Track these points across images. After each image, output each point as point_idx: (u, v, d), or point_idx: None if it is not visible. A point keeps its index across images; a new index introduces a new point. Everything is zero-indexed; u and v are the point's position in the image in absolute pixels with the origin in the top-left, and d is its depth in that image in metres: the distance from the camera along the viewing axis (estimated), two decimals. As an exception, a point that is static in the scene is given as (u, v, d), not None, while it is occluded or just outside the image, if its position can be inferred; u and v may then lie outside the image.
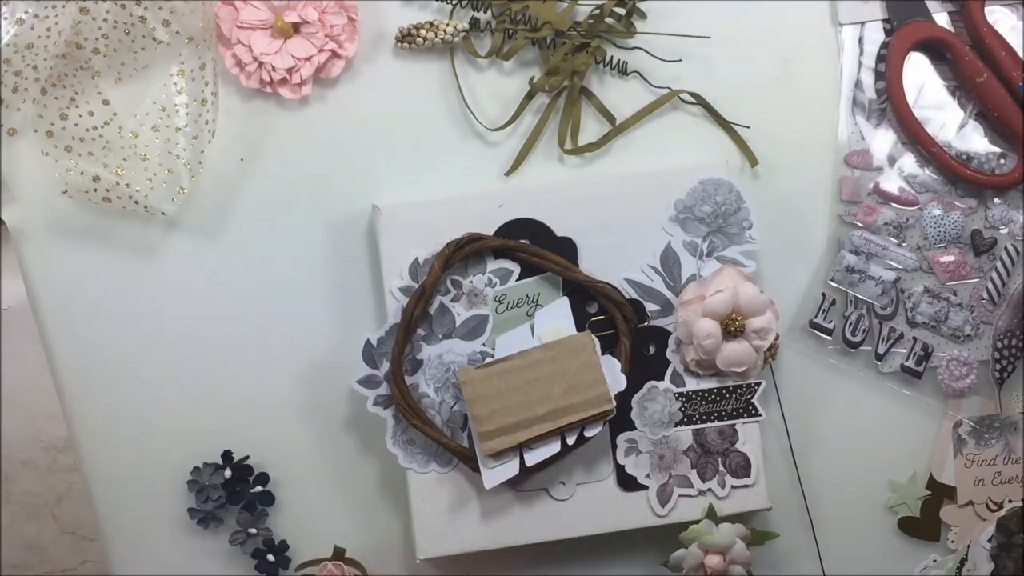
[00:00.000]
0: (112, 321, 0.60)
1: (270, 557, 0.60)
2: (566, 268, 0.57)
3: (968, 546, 0.64)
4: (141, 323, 0.60)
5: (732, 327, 0.57)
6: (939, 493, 0.64)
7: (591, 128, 0.61)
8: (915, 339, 0.62)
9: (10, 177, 0.59)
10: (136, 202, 0.57)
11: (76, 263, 0.59)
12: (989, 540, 0.64)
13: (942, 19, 0.62)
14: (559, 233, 0.58)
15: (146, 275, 0.60)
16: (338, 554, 0.61)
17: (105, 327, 0.60)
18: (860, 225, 0.62)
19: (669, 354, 0.59)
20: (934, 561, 0.64)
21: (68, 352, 0.60)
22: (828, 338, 0.62)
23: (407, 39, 0.59)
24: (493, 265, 0.58)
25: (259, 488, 0.60)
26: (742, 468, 0.59)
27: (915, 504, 0.64)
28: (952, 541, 0.64)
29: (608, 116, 0.61)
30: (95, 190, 0.57)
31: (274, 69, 0.58)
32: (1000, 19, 0.62)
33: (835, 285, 0.62)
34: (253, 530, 0.60)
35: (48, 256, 0.59)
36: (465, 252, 0.57)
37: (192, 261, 0.60)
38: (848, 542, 0.64)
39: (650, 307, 0.59)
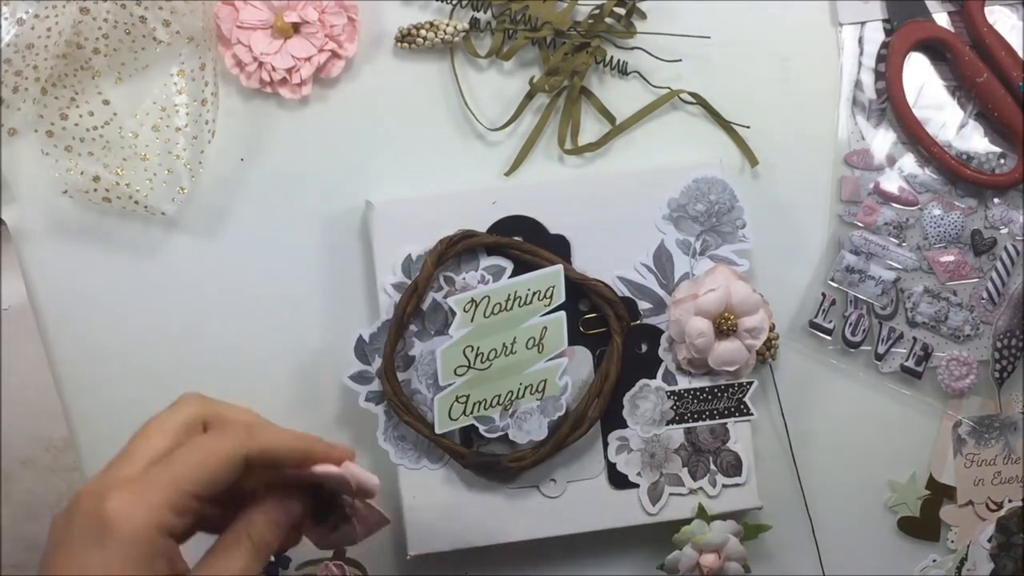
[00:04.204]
0: (112, 321, 0.60)
1: (270, 557, 0.60)
2: (559, 265, 0.58)
3: (968, 546, 0.64)
4: (141, 322, 0.60)
5: (724, 326, 0.57)
6: (939, 493, 0.64)
7: (591, 128, 0.61)
8: (915, 339, 0.62)
9: (10, 177, 0.59)
10: (136, 202, 0.57)
11: (76, 263, 0.59)
12: (989, 540, 0.64)
13: (942, 19, 0.62)
14: (552, 230, 0.58)
15: (146, 275, 0.60)
16: (338, 554, 0.61)
17: (105, 327, 0.60)
18: (860, 225, 0.62)
19: (661, 352, 0.59)
20: (934, 561, 0.64)
21: (68, 352, 0.60)
22: (828, 338, 0.62)
23: (407, 39, 0.59)
24: (486, 262, 0.58)
25: (259, 488, 0.60)
26: (733, 467, 0.59)
27: (915, 504, 0.64)
28: (952, 541, 0.64)
29: (608, 116, 0.61)
30: (95, 190, 0.57)
31: (274, 69, 0.58)
32: (1000, 19, 0.62)
33: (835, 285, 0.62)
34: (253, 530, 0.60)
35: (48, 256, 0.59)
36: (458, 249, 0.57)
37: (192, 261, 0.60)
38: (848, 542, 0.64)
39: (643, 305, 0.59)
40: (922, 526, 0.64)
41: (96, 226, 0.59)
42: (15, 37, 0.55)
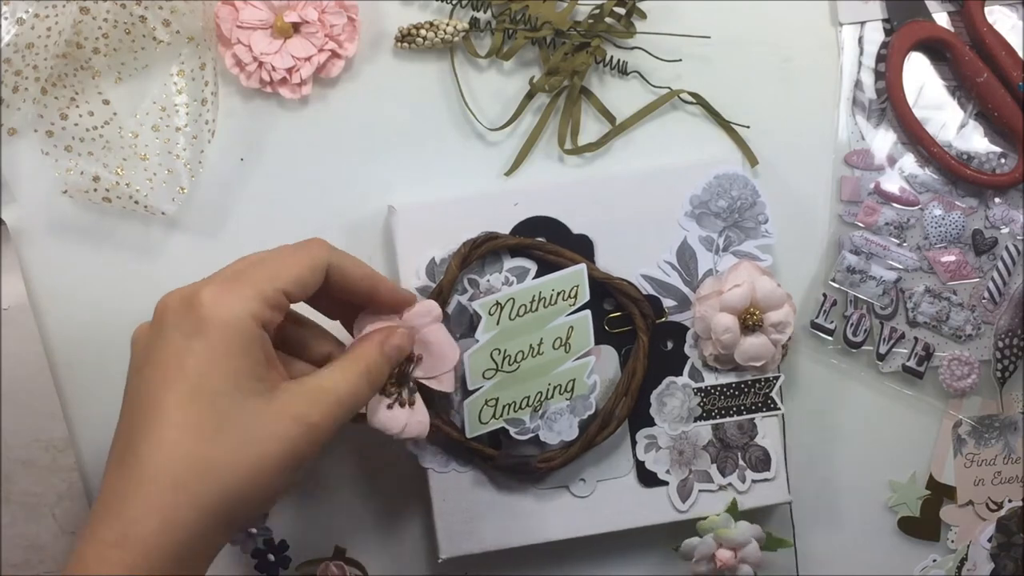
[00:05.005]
0: (112, 321, 0.60)
1: (270, 557, 0.60)
2: (583, 266, 0.57)
3: (968, 546, 0.64)
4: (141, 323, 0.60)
5: (750, 321, 0.57)
6: (939, 493, 0.64)
7: (591, 128, 0.61)
8: (916, 339, 0.62)
9: (10, 177, 0.59)
10: (136, 202, 0.57)
11: (76, 263, 0.59)
12: (989, 540, 0.64)
13: (942, 19, 0.62)
14: (575, 230, 0.58)
15: (146, 275, 0.60)
16: (338, 554, 0.61)
17: (105, 327, 0.60)
18: (860, 225, 0.62)
19: (687, 349, 0.59)
20: (934, 561, 0.64)
21: (68, 352, 0.60)
22: (829, 338, 0.62)
23: (407, 39, 0.59)
24: (510, 263, 0.58)
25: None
26: (762, 462, 0.59)
27: (915, 504, 0.64)
28: (952, 541, 0.64)
29: (608, 116, 0.61)
30: (95, 190, 0.57)
31: (274, 69, 0.58)
32: (1000, 19, 0.62)
33: (836, 285, 0.62)
34: (253, 530, 0.60)
35: (48, 256, 0.59)
36: (482, 251, 0.57)
37: (192, 261, 0.60)
38: (848, 542, 0.64)
39: (667, 303, 0.59)
40: (922, 526, 0.64)
41: (96, 226, 0.59)
42: (15, 37, 0.55)
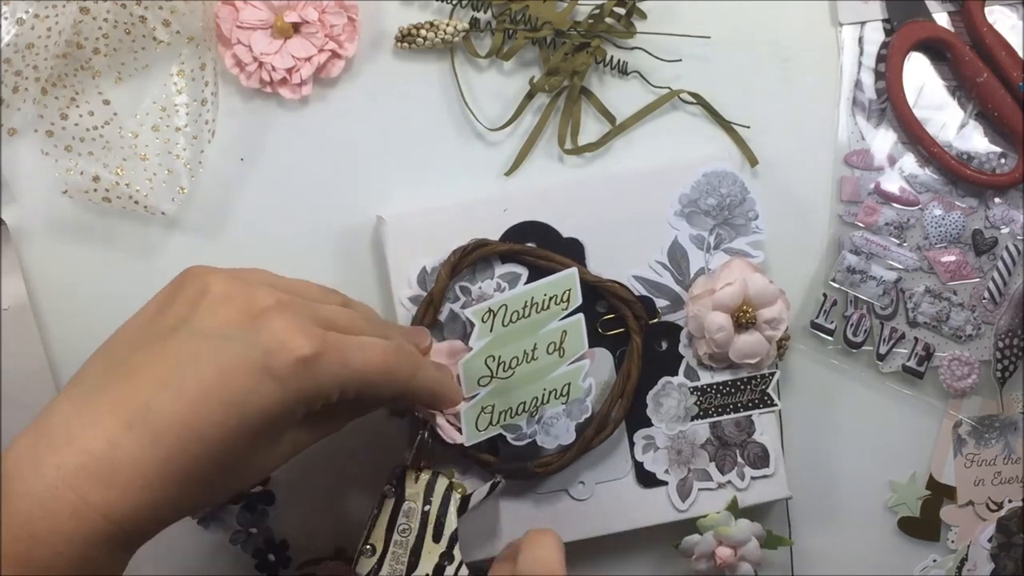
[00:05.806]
0: (112, 321, 0.59)
1: (270, 557, 0.60)
2: (574, 269, 0.57)
3: (968, 546, 0.64)
4: (141, 323, 0.60)
5: (743, 319, 0.57)
6: (939, 493, 0.64)
7: (591, 128, 0.61)
8: (916, 339, 0.62)
9: (10, 177, 0.59)
10: (136, 202, 0.57)
11: (76, 263, 0.59)
12: (989, 540, 0.64)
13: (942, 19, 0.62)
14: (565, 234, 0.58)
15: (146, 275, 0.60)
16: (338, 554, 0.61)
17: (105, 327, 0.59)
18: (861, 225, 0.62)
19: (681, 349, 0.59)
20: (934, 561, 0.64)
21: (68, 352, 0.60)
22: (829, 339, 0.62)
23: (407, 39, 0.59)
24: (501, 269, 0.57)
25: (259, 487, 0.60)
26: (760, 459, 0.59)
27: (915, 504, 0.64)
28: (952, 541, 0.64)
29: (608, 116, 0.61)
30: (95, 190, 0.57)
31: (274, 69, 0.58)
32: (1000, 19, 0.62)
33: (836, 285, 0.62)
34: (253, 529, 0.60)
35: (48, 256, 0.59)
36: (472, 258, 0.57)
37: (192, 261, 0.60)
38: (848, 542, 0.64)
39: (660, 303, 0.59)
40: (922, 526, 0.64)
41: (96, 226, 0.59)
42: (15, 37, 0.55)
